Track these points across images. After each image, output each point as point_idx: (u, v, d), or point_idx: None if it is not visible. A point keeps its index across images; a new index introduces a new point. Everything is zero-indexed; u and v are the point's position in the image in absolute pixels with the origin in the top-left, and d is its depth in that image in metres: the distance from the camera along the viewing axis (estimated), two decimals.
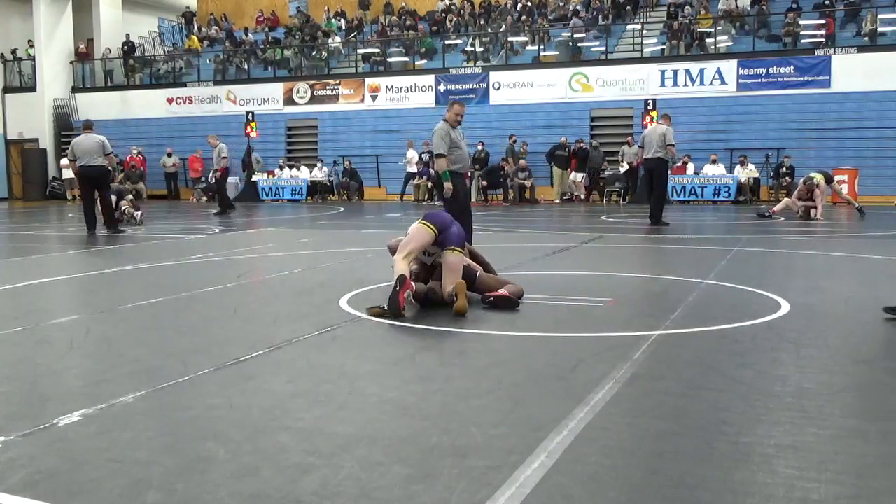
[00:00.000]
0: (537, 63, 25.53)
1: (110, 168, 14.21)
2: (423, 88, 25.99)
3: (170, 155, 26.24)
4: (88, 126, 14.21)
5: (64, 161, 27.06)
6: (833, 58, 21.89)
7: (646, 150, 14.29)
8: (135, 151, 27.77)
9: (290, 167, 26.53)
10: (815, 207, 15.99)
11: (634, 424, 3.51)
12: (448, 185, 8.74)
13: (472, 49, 26.92)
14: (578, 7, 26.75)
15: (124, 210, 16.07)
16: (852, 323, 5.73)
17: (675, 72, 23.23)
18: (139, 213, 16.53)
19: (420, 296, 6.30)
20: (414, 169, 24.34)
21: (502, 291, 6.30)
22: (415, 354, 4.93)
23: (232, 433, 3.41)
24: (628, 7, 26.21)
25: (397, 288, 5.89)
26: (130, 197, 17.29)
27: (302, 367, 4.54)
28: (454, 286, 6.06)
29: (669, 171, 20.28)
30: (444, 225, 6.39)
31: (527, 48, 26.20)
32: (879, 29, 22.29)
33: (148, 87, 30.00)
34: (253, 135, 25.65)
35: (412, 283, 6.12)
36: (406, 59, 27.51)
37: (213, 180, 20.34)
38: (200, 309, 6.56)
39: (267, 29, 31.42)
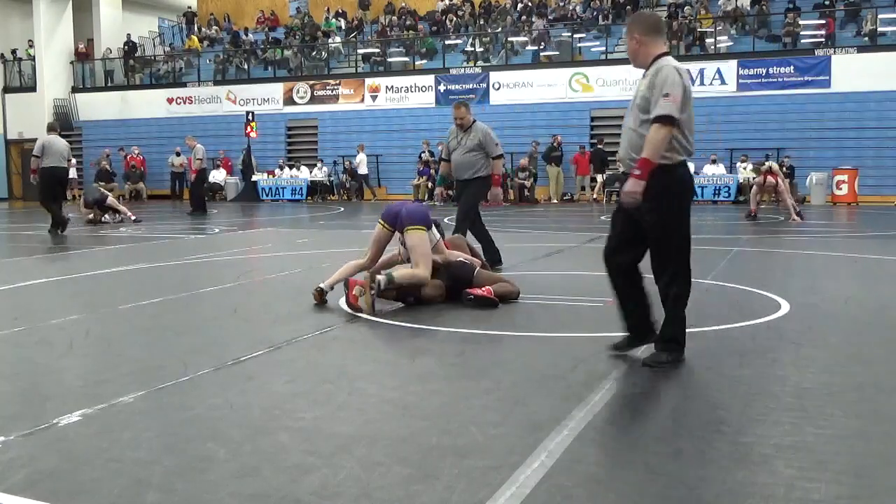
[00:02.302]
0: (537, 63, 25.53)
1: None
2: (423, 88, 25.99)
3: (178, 154, 26.20)
4: (54, 128, 14.22)
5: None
6: (833, 58, 21.88)
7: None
8: (136, 152, 27.77)
9: (290, 167, 26.53)
10: (780, 202, 15.97)
11: (634, 424, 3.51)
12: (437, 190, 8.94)
13: (472, 49, 26.92)
14: (573, 6, 26.79)
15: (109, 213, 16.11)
16: (852, 323, 5.73)
17: None
18: (118, 215, 16.33)
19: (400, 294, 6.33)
20: (365, 170, 24.95)
21: (484, 291, 6.26)
22: (415, 354, 4.93)
23: (232, 433, 3.41)
24: (628, 7, 26.20)
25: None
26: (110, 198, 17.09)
27: (302, 367, 4.54)
28: (433, 288, 6.09)
29: None
30: (391, 213, 6.39)
31: (527, 48, 26.20)
32: (879, 29, 22.28)
33: (148, 87, 29.99)
34: (253, 135, 25.64)
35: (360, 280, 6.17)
36: (406, 59, 27.51)
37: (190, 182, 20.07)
38: (200, 309, 6.56)
39: (267, 29, 31.42)
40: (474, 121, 8.48)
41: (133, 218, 16.04)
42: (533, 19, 26.89)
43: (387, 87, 26.40)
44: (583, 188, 23.57)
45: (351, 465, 3.02)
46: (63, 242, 12.61)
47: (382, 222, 6.45)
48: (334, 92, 27.05)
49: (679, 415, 3.63)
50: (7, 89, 31.14)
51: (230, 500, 2.74)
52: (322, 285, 6.38)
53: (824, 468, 2.98)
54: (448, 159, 8.59)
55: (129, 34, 31.53)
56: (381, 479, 2.88)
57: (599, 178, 22.74)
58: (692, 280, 4.69)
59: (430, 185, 23.31)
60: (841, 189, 20.24)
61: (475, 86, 25.45)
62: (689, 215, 4.61)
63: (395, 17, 29.39)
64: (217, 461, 3.09)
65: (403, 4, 29.97)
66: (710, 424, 3.48)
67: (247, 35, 30.96)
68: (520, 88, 24.86)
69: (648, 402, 3.86)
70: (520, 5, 27.72)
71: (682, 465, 3.03)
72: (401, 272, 6.15)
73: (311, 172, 25.91)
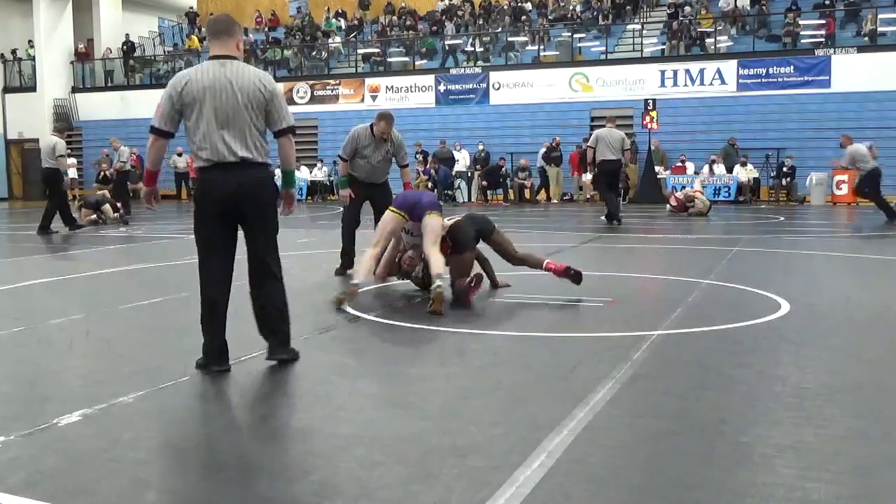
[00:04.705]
0: (537, 63, 25.53)
1: (64, 172, 14.19)
2: (423, 88, 25.99)
3: (180, 155, 26.07)
4: (57, 129, 14.27)
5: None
6: (833, 58, 21.87)
7: (599, 151, 14.13)
8: (127, 152, 27.67)
9: None
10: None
11: (634, 424, 3.51)
12: (343, 192, 8.49)
13: (472, 49, 26.92)
14: (574, 6, 26.85)
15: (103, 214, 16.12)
16: (852, 323, 5.73)
17: (675, 72, 23.22)
18: (117, 214, 16.41)
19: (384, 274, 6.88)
20: None
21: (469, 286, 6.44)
22: (415, 354, 4.93)
23: (232, 433, 3.40)
24: (628, 7, 26.21)
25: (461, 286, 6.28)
26: (107, 199, 17.06)
27: (302, 367, 4.54)
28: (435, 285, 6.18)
29: (667, 171, 20.20)
30: (410, 202, 6.65)
31: (527, 48, 26.21)
32: (879, 29, 22.28)
33: (148, 87, 29.93)
34: None
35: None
36: (406, 59, 27.52)
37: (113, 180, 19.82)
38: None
39: (267, 29, 31.42)
40: None
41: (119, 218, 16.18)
42: (534, 17, 26.91)
43: (387, 87, 26.40)
44: (581, 188, 23.55)
45: (351, 465, 3.02)
46: (64, 243, 12.61)
47: (398, 210, 6.61)
48: (334, 92, 27.05)
49: (679, 415, 3.63)
50: (7, 89, 31.13)
51: (230, 500, 2.74)
52: (356, 281, 6.43)
53: (824, 468, 2.98)
54: (347, 160, 8.40)
55: (127, 34, 31.52)
56: (381, 479, 2.88)
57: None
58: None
59: (429, 184, 23.32)
60: (841, 189, 20.22)
61: (475, 86, 25.45)
62: (208, 225, 4.40)
63: (395, 17, 29.39)
64: (217, 461, 3.09)
65: (403, 4, 29.97)
66: (710, 424, 3.48)
67: (247, 35, 30.94)
68: (520, 88, 24.86)
69: (648, 402, 3.86)
70: (513, 4, 27.71)
71: (682, 465, 3.04)
72: (436, 267, 6.20)
73: (311, 172, 25.90)
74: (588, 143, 14.94)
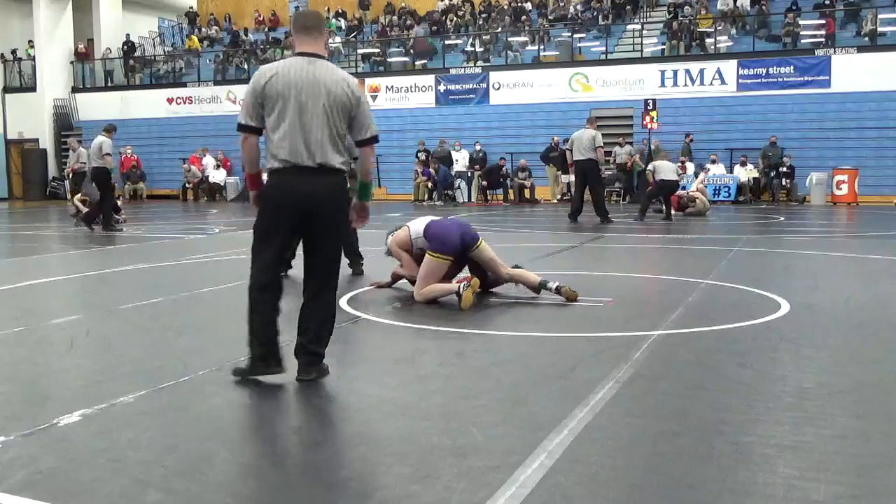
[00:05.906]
0: (537, 63, 25.53)
1: (111, 169, 14.37)
2: (423, 88, 25.99)
3: (187, 161, 25.93)
4: (106, 129, 14.55)
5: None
6: (833, 58, 21.87)
7: (575, 152, 14.73)
8: (129, 151, 27.75)
9: None
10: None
11: (634, 424, 3.52)
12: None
13: (472, 49, 26.92)
14: (574, 5, 26.85)
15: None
16: (852, 323, 5.73)
17: (675, 72, 23.21)
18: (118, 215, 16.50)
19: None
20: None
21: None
22: (415, 354, 4.93)
23: (232, 433, 3.41)
24: (628, 7, 26.20)
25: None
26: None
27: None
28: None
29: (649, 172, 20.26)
30: (448, 242, 6.49)
31: (527, 48, 26.21)
32: (879, 29, 22.26)
33: (148, 87, 29.97)
34: None
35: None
36: (406, 59, 27.52)
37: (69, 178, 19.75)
38: (200, 309, 6.56)
39: (267, 29, 31.41)
40: None
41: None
42: (534, 17, 26.89)
43: (387, 87, 26.40)
44: (568, 186, 23.53)
45: (351, 465, 3.02)
46: (64, 243, 12.61)
47: (442, 256, 6.44)
48: None
49: (679, 415, 3.63)
50: (7, 89, 31.12)
51: (230, 500, 2.74)
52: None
53: (824, 468, 2.99)
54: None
55: (127, 34, 31.52)
56: (381, 479, 2.88)
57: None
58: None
59: (429, 184, 23.31)
60: (841, 189, 20.23)
61: (475, 86, 25.45)
62: (273, 223, 4.22)
63: (395, 17, 29.39)
64: (217, 461, 3.09)
65: (403, 4, 29.97)
66: (710, 424, 3.48)
67: (247, 35, 30.95)
68: (520, 88, 24.85)
69: (648, 402, 3.86)
70: (514, 5, 27.71)
71: (682, 465, 3.04)
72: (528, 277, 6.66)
73: None
74: (566, 146, 15.45)
